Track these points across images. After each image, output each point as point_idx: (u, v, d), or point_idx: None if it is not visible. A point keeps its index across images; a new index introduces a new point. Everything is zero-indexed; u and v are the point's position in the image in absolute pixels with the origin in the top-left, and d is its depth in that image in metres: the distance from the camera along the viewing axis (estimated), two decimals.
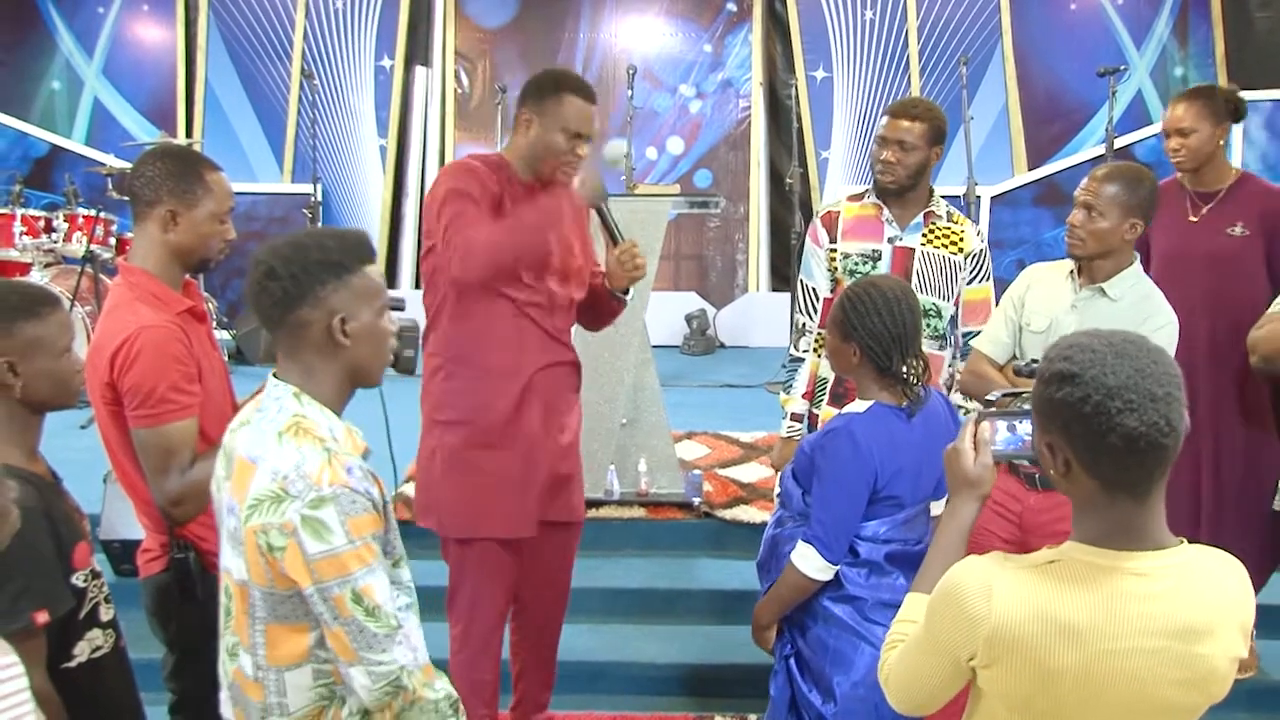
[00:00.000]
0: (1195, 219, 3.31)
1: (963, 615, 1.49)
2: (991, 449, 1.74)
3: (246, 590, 1.77)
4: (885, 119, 3.10)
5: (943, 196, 3.25)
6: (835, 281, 3.19)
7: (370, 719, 1.82)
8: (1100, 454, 1.42)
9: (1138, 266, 2.76)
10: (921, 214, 3.14)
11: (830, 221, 3.23)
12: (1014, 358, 2.85)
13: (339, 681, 1.80)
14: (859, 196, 3.25)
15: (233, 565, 1.80)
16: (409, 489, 4.40)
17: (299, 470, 1.70)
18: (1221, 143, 3.31)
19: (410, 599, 1.87)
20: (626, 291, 2.90)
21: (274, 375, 1.83)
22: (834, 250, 3.20)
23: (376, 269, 1.86)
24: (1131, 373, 1.40)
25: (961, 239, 3.14)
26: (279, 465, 1.71)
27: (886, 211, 3.16)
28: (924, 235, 3.13)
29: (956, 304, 3.18)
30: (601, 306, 2.96)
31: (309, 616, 1.75)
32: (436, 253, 2.69)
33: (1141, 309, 2.71)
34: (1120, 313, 2.70)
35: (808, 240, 3.30)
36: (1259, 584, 3.47)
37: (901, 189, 3.10)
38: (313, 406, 1.79)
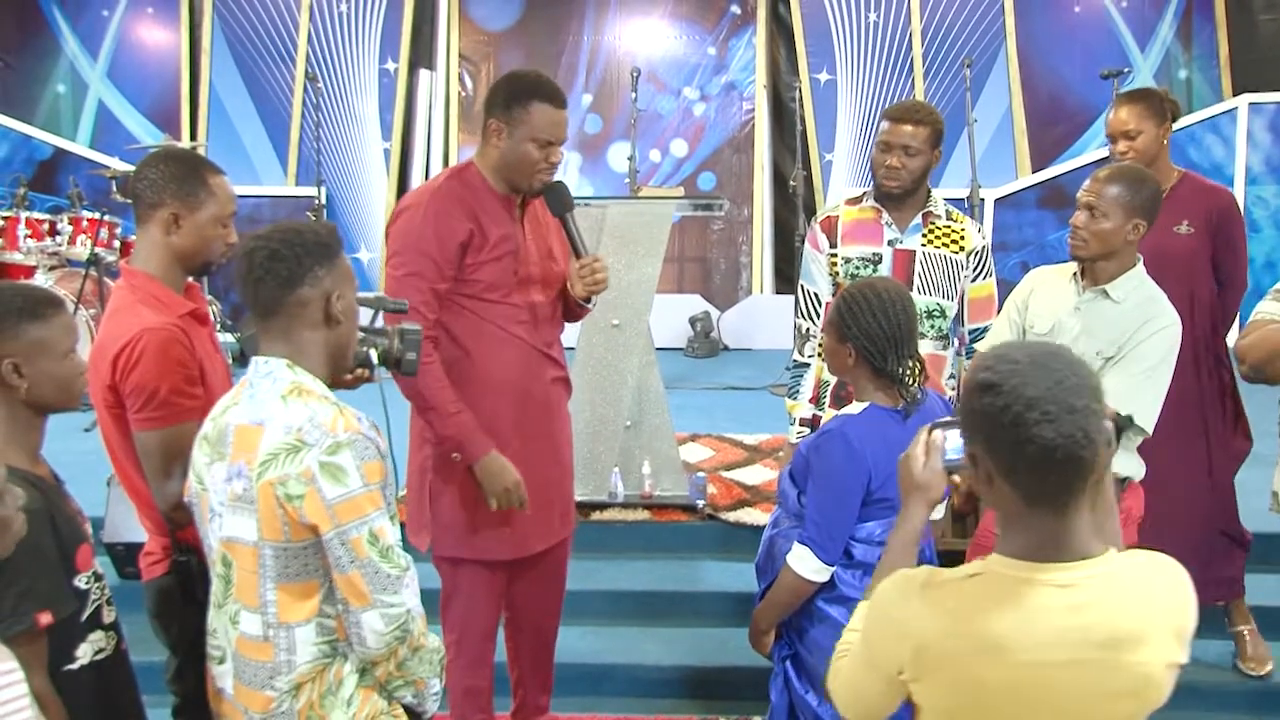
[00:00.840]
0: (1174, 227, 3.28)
1: (890, 629, 1.50)
2: (944, 458, 1.78)
3: (256, 551, 1.84)
4: (888, 124, 3.10)
5: (946, 199, 3.26)
6: (837, 286, 3.19)
7: (371, 674, 1.90)
8: (1019, 464, 1.41)
9: (1141, 268, 2.76)
10: (920, 215, 3.15)
11: (829, 226, 3.23)
12: None
13: (342, 637, 1.87)
14: (857, 200, 3.25)
15: (238, 529, 1.87)
16: None
17: (313, 421, 1.80)
18: (1165, 142, 3.32)
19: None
20: (589, 300, 2.86)
21: (256, 357, 1.92)
22: (834, 255, 3.20)
23: (346, 256, 2.01)
24: (1051, 384, 1.40)
25: (962, 237, 3.15)
26: (290, 420, 1.81)
27: (885, 215, 3.16)
28: (924, 236, 3.14)
29: (960, 302, 3.18)
30: (568, 309, 2.92)
31: (317, 573, 1.85)
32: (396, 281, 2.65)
33: (1145, 310, 2.70)
34: (1124, 314, 2.70)
35: (807, 246, 3.31)
36: (1217, 592, 3.45)
37: (906, 193, 3.11)
38: (306, 375, 1.89)
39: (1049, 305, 2.82)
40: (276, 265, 1.86)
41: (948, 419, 1.84)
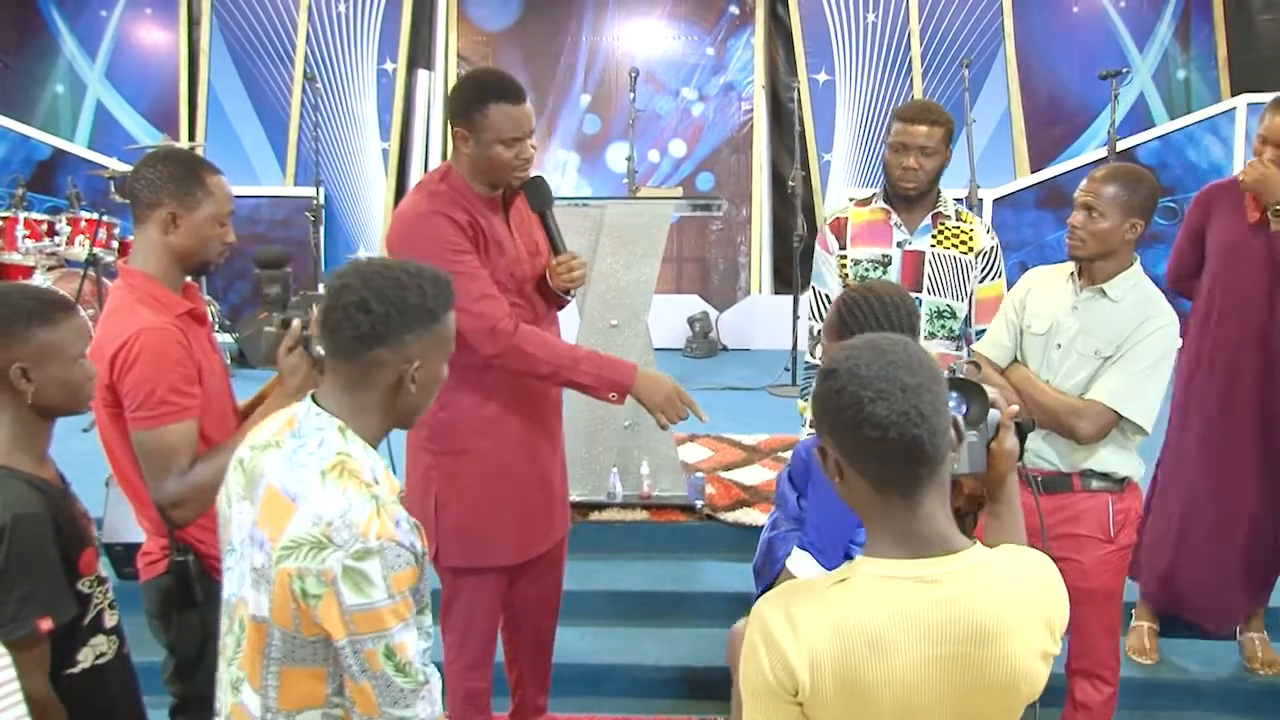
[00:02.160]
0: (1256, 218, 3.25)
1: (776, 652, 1.44)
2: None
3: (265, 628, 1.69)
4: (901, 125, 3.08)
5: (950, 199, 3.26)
6: (847, 288, 3.18)
7: None
8: (860, 448, 1.42)
9: (1138, 267, 2.76)
10: (929, 216, 3.15)
11: (839, 228, 3.24)
12: (1015, 361, 2.85)
13: None
14: (866, 201, 3.24)
15: (252, 599, 1.71)
16: None
17: (345, 518, 1.62)
18: None
19: (428, 643, 1.78)
20: (568, 292, 2.82)
21: (313, 399, 1.75)
22: (844, 256, 3.20)
23: (453, 317, 1.79)
24: (884, 365, 1.41)
25: (971, 237, 3.14)
26: (322, 510, 1.63)
27: (894, 216, 3.16)
28: (933, 237, 3.14)
29: (970, 303, 3.18)
30: (548, 300, 2.88)
31: (327, 662, 1.68)
32: None
33: (1143, 309, 2.70)
34: (1121, 313, 2.70)
35: (818, 248, 3.31)
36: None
37: (922, 194, 3.11)
38: (356, 444, 1.70)
39: (1046, 305, 2.82)
40: (359, 317, 1.66)
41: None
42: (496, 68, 2.70)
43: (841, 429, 1.43)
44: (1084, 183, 2.74)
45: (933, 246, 3.13)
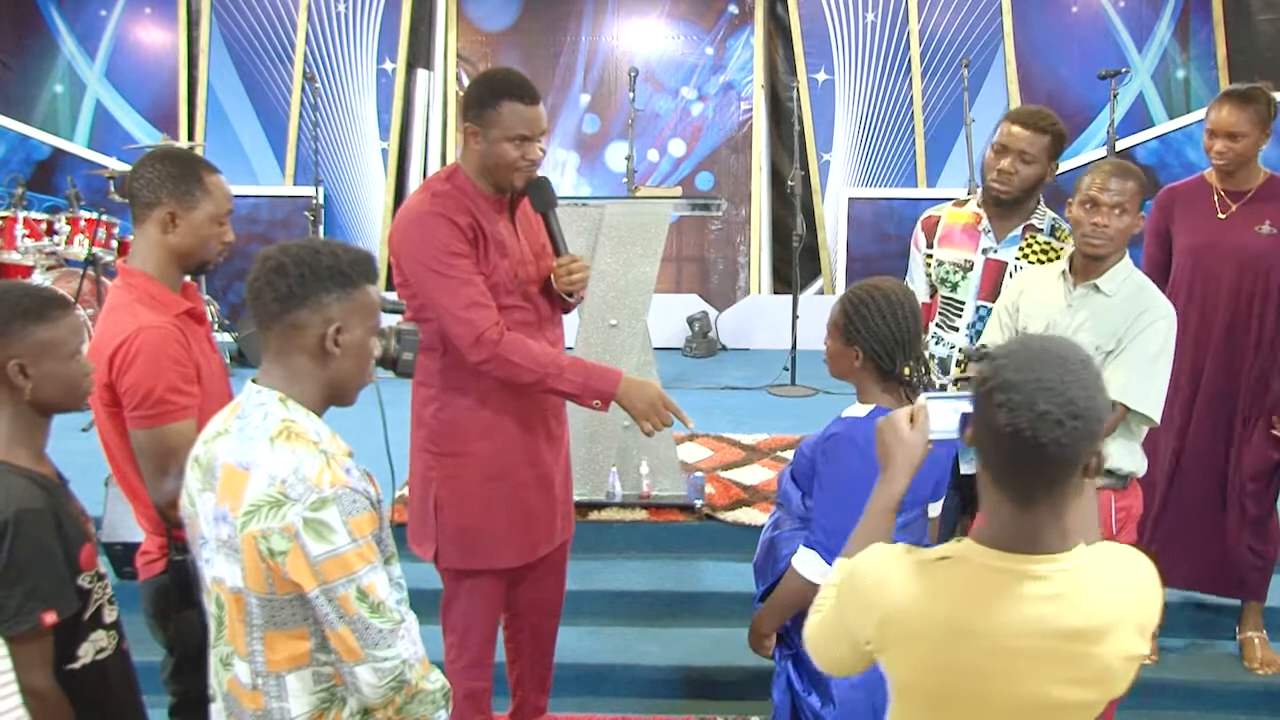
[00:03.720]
0: (1224, 216, 3.35)
1: (860, 601, 1.56)
2: (931, 430, 1.78)
3: (241, 598, 1.76)
4: (1006, 126, 3.00)
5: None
6: (932, 289, 3.14)
7: (371, 716, 1.83)
8: (984, 436, 1.47)
9: (1129, 260, 2.78)
10: (1021, 226, 3.06)
11: (930, 226, 3.19)
12: None
13: (339, 683, 1.80)
14: (963, 203, 3.18)
15: (225, 574, 1.78)
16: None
17: (297, 473, 1.70)
18: (1262, 147, 3.33)
19: (402, 594, 1.87)
20: (572, 294, 2.82)
21: (253, 381, 1.83)
22: (930, 256, 3.15)
23: (376, 290, 1.87)
24: (1033, 379, 1.42)
25: (1060, 255, 3.00)
26: (275, 470, 1.71)
27: (985, 221, 3.08)
28: (1021, 249, 3.06)
29: None
30: (554, 303, 2.89)
31: (307, 621, 1.75)
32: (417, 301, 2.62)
33: (1139, 301, 2.71)
34: (1116, 306, 2.71)
35: (911, 245, 3.24)
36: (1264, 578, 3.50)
37: (1015, 201, 3.02)
38: (299, 411, 1.79)
39: (1040, 305, 2.82)
40: (276, 280, 1.77)
41: (943, 393, 1.87)
42: (514, 69, 2.70)
43: (978, 413, 1.48)
44: (1096, 180, 2.70)
45: (1018, 259, 3.05)
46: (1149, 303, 2.71)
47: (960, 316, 3.12)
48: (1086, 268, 2.75)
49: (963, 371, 3.09)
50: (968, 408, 1.59)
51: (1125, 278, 2.74)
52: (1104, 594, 1.49)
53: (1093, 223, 2.70)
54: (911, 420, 1.79)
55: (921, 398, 1.81)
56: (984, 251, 3.08)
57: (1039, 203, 3.09)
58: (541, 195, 2.73)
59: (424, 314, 2.60)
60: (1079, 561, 1.49)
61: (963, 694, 1.50)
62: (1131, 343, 2.67)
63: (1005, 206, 3.05)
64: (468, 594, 2.81)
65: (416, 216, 2.62)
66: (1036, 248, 3.05)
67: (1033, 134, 2.96)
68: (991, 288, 3.05)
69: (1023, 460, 1.42)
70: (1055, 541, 1.48)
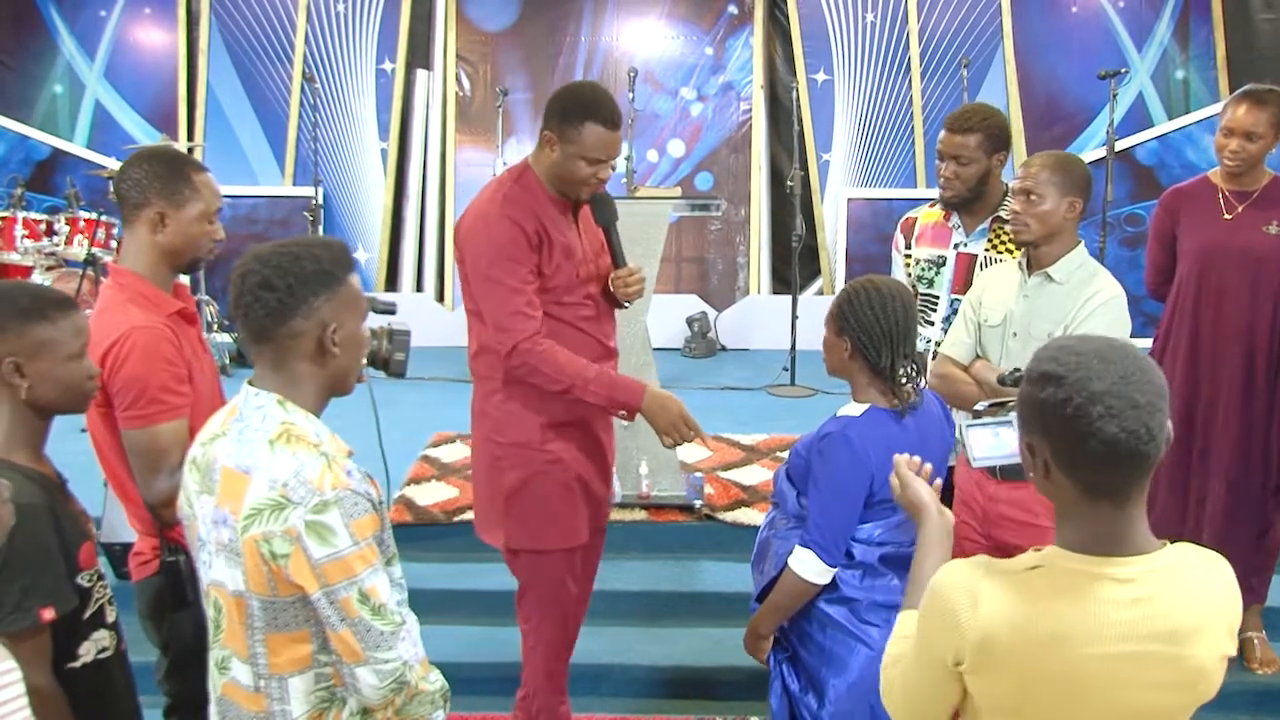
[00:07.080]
0: (1230, 217, 3.37)
1: (950, 621, 1.49)
2: (975, 457, 1.87)
3: (243, 601, 1.76)
4: (942, 133, 3.10)
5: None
6: (913, 288, 3.21)
7: (370, 717, 1.83)
8: (1080, 458, 1.42)
9: (1083, 249, 2.83)
10: (989, 219, 3.15)
11: (908, 227, 3.30)
12: (978, 357, 2.87)
13: (339, 684, 1.80)
14: (936, 203, 3.27)
15: (226, 577, 1.78)
16: (410, 491, 4.40)
17: (299, 476, 1.70)
18: (1271, 151, 3.35)
19: (403, 595, 1.88)
20: (628, 301, 2.94)
21: (249, 384, 1.82)
22: (909, 255, 3.26)
23: (358, 278, 1.88)
24: (1116, 379, 1.40)
25: None
26: (276, 473, 1.71)
27: (955, 218, 3.18)
28: (989, 241, 3.14)
29: None
30: (610, 300, 2.99)
31: (309, 623, 1.75)
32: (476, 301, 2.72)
33: (1088, 286, 2.76)
34: (1066, 294, 2.78)
35: (892, 248, 3.35)
36: (1262, 577, 3.51)
37: (964, 201, 3.11)
38: (298, 413, 1.79)
39: (999, 297, 2.88)
40: (265, 295, 1.74)
41: (985, 419, 1.91)
42: (602, 87, 2.75)
43: (1062, 438, 1.43)
44: (1019, 169, 2.80)
45: (987, 251, 3.13)
46: (1097, 287, 2.77)
47: (935, 311, 3.23)
48: (1040, 257, 2.80)
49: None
50: (1010, 431, 1.60)
51: (1078, 266, 2.80)
52: (1193, 594, 1.47)
53: (1011, 210, 2.80)
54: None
55: (962, 423, 1.86)
56: (955, 246, 3.17)
57: (1005, 195, 3.13)
58: (604, 210, 2.84)
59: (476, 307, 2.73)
60: (1168, 562, 1.47)
61: (1055, 707, 1.47)
62: (1079, 326, 2.71)
63: (966, 204, 3.14)
64: (542, 575, 2.86)
65: (488, 216, 2.69)
66: (1005, 238, 3.13)
67: (962, 136, 3.06)
68: (963, 281, 3.13)
69: (1127, 459, 1.40)
70: (1145, 538, 1.47)
